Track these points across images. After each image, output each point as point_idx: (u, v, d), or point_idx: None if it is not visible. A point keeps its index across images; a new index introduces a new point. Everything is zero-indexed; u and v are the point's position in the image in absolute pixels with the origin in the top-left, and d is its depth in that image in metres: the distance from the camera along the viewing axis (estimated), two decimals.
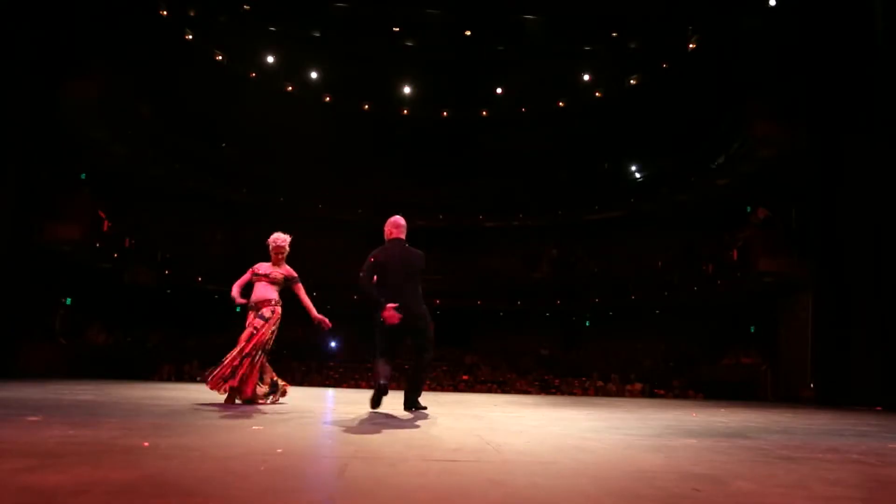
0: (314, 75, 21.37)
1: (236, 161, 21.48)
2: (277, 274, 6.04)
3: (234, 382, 5.62)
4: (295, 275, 6.12)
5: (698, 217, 18.66)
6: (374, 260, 5.37)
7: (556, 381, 19.57)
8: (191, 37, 18.79)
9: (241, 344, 5.76)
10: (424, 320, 5.44)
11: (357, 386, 18.44)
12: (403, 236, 5.58)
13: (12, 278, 10.62)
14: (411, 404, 5.57)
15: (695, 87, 17.88)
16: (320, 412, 5.51)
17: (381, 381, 5.13)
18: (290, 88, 21.49)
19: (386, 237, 5.59)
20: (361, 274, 5.31)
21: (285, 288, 6.10)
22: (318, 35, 18.98)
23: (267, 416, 4.65)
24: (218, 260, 21.02)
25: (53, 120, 12.45)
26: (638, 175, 22.73)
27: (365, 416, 4.83)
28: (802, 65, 12.41)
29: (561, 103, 21.91)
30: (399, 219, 5.64)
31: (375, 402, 5.21)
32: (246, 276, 6.13)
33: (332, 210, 22.09)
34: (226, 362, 5.67)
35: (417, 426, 4.20)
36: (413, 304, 5.31)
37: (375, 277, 5.35)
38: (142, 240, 17.88)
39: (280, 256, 6.09)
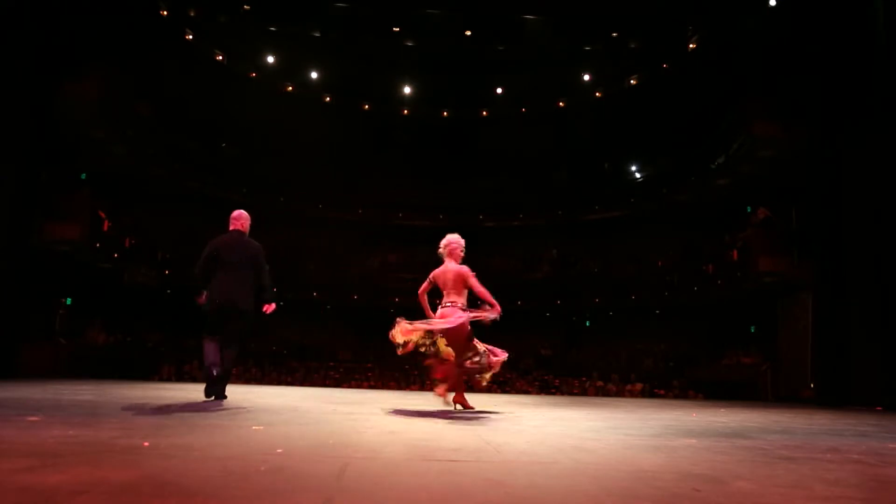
0: (314, 75, 21.37)
1: (236, 161, 21.47)
2: None
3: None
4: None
5: (698, 217, 18.66)
6: (210, 248, 5.75)
7: (556, 381, 19.56)
8: (191, 37, 18.79)
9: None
10: (246, 314, 5.70)
11: (359, 386, 18.43)
12: (242, 228, 5.92)
13: (12, 278, 10.59)
14: (214, 393, 5.76)
15: (695, 87, 17.88)
16: (321, 412, 5.51)
17: (211, 370, 5.52)
18: (290, 88, 21.49)
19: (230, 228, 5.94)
20: (200, 262, 5.72)
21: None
22: (318, 35, 18.97)
23: (267, 416, 4.65)
24: None
25: (53, 120, 12.43)
26: (638, 175, 22.73)
27: (365, 417, 4.83)
28: (802, 64, 12.40)
29: (561, 103, 21.91)
30: (240, 212, 6.03)
31: (207, 391, 5.63)
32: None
33: (332, 210, 22.08)
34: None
35: (417, 426, 4.21)
36: (239, 295, 5.62)
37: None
38: (142, 240, 17.88)
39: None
